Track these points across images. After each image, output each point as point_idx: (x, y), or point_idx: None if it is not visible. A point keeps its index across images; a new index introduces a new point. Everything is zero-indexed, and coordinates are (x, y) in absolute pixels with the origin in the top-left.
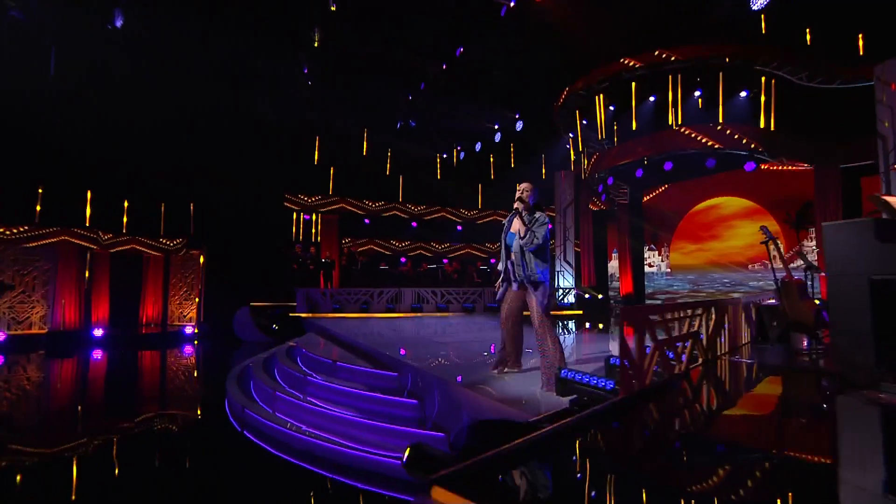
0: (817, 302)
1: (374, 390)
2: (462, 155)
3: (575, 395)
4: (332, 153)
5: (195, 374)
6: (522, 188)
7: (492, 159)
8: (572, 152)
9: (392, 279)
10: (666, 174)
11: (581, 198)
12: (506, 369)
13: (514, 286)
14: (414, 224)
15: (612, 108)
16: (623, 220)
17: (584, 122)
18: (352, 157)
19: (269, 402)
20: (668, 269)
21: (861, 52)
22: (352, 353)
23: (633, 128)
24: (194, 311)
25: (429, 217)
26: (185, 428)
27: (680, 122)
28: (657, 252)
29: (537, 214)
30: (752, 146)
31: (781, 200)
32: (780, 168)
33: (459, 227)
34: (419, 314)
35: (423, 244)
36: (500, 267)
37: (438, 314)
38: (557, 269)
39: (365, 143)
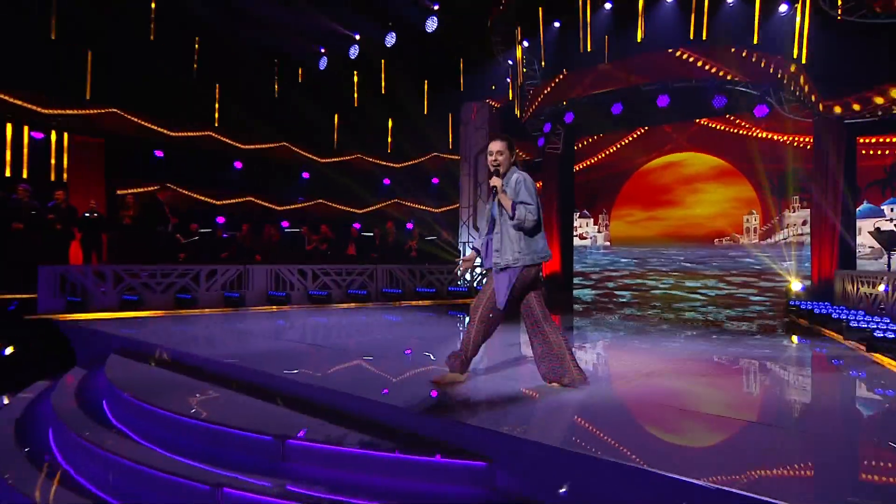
0: None
1: None
2: (324, 63)
3: None
4: (93, 26)
5: None
6: (496, 150)
7: (355, 79)
8: (521, 71)
9: (214, 250)
10: (657, 113)
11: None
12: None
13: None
14: (239, 165)
15: (609, 4)
16: (551, 177)
17: (558, 22)
18: (132, 39)
19: None
20: (607, 243)
21: None
22: (282, 405)
23: (639, 39)
24: None
25: (263, 155)
26: None
27: (705, 38)
28: (592, 220)
29: (515, 176)
30: (786, 81)
31: (763, 162)
32: (760, 122)
33: (306, 175)
34: (286, 307)
35: (255, 196)
36: (478, 244)
37: (317, 306)
38: (463, 239)
39: (153, 15)
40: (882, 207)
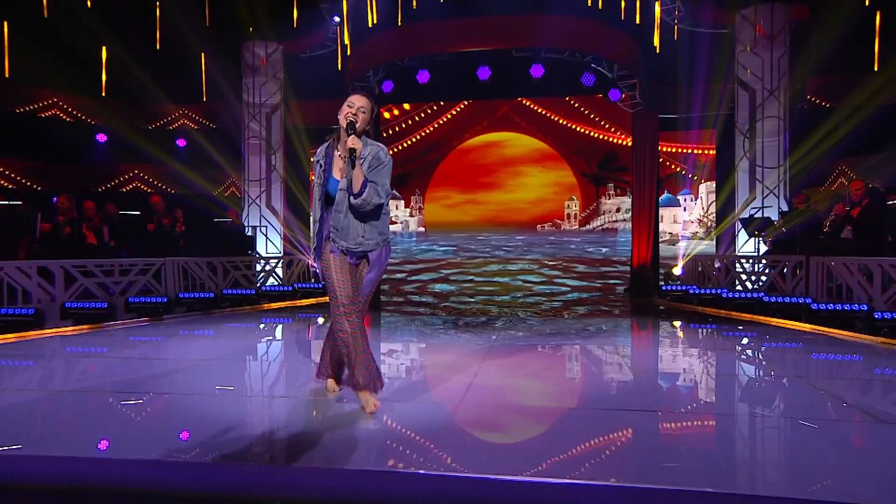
0: None
1: None
2: None
3: None
4: None
5: None
6: (358, 106)
7: None
8: (373, 6)
9: None
10: (528, 84)
11: (294, 101)
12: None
13: (339, 253)
14: None
15: None
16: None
17: None
18: None
19: None
20: (421, 228)
21: None
22: None
23: None
24: None
25: None
26: None
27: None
28: (404, 202)
29: (378, 151)
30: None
31: (580, 148)
32: (583, 107)
33: None
34: (34, 333)
35: None
36: (315, 224)
37: (91, 328)
38: (253, 222)
39: None
40: (678, 197)
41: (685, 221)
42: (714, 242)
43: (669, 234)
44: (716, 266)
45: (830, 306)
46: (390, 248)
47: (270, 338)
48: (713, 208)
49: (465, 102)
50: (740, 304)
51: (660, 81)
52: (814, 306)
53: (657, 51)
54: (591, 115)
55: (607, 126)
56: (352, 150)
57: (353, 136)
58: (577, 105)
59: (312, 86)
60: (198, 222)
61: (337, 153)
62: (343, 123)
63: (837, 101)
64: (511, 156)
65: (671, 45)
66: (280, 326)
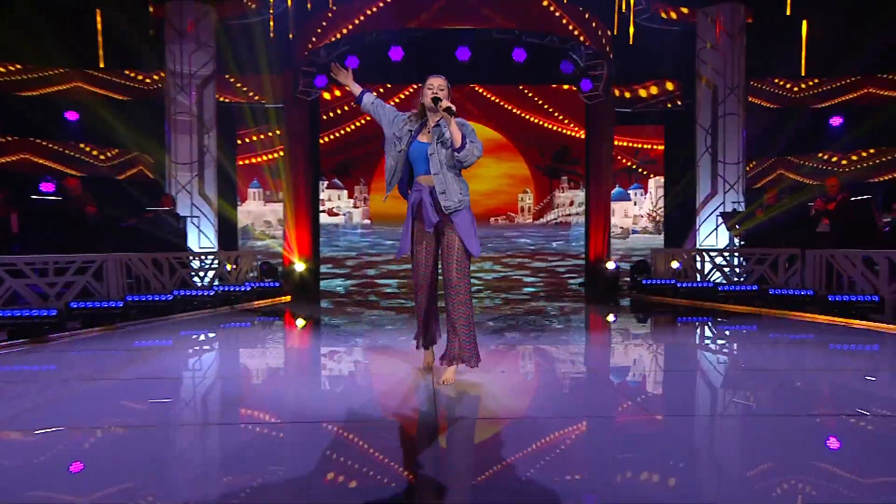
0: None
1: None
2: None
3: None
4: None
5: None
6: (437, 84)
7: None
8: None
9: None
10: (511, 70)
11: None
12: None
13: (429, 225)
14: None
15: None
16: (299, 131)
17: None
18: None
19: None
20: (366, 220)
21: None
22: None
23: None
24: None
25: None
26: None
27: None
28: (347, 192)
29: (464, 121)
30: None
31: (535, 140)
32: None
33: None
34: None
35: None
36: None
37: (32, 343)
38: (184, 212)
39: None
40: (629, 192)
41: (635, 216)
42: (663, 236)
43: (621, 228)
44: (695, 259)
45: (845, 298)
46: (473, 216)
47: (242, 348)
48: (662, 203)
49: (415, 86)
50: (738, 296)
51: (617, 75)
52: (830, 298)
53: (630, 42)
54: (545, 106)
55: (561, 117)
56: (448, 108)
57: (443, 100)
58: (530, 94)
59: (251, 58)
60: (116, 211)
61: (429, 125)
62: (427, 100)
63: (773, 103)
64: None
65: (633, 40)
66: (247, 332)
